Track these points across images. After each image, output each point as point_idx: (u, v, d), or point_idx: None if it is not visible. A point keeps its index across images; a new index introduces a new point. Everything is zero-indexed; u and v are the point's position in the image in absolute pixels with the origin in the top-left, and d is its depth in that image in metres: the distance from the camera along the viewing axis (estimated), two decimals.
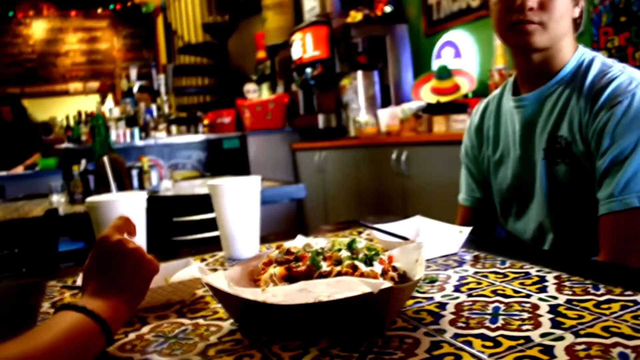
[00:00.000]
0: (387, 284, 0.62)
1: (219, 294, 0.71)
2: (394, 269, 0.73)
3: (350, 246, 0.77)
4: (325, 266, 0.73)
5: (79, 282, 0.91)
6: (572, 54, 1.22)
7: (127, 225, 0.75)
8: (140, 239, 1.01)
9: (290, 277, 0.73)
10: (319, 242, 0.82)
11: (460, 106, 3.47)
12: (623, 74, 1.14)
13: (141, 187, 3.02)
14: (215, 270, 1.03)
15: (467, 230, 1.04)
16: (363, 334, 0.66)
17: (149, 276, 0.71)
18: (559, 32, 1.18)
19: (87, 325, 0.61)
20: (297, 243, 0.83)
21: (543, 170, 1.22)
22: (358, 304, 0.63)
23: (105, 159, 1.05)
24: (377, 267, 0.72)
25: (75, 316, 0.61)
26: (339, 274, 0.71)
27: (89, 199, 1.03)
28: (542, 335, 0.62)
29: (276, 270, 0.74)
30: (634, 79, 1.12)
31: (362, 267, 0.71)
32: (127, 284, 0.68)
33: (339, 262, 0.73)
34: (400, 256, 0.78)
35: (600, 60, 1.20)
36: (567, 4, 1.18)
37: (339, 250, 0.76)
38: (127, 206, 1.00)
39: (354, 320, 0.66)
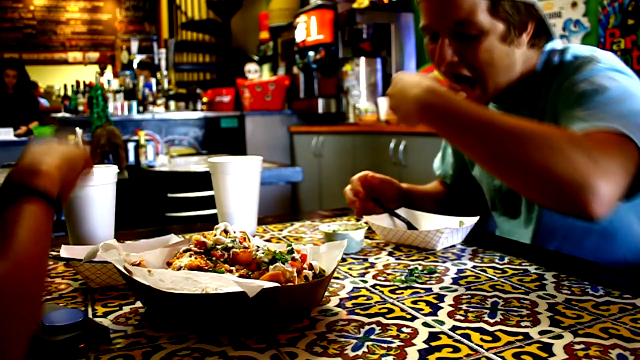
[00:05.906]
0: (269, 284, 0.60)
1: (123, 276, 0.70)
2: (310, 267, 0.73)
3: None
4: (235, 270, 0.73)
5: (62, 253, 0.90)
6: (536, 60, 1.05)
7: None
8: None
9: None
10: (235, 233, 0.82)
11: None
12: (588, 57, 0.98)
13: (137, 160, 3.00)
14: None
15: (471, 220, 1.04)
16: (262, 329, 0.64)
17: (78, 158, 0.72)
18: (504, 76, 1.01)
19: (48, 212, 0.59)
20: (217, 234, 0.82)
21: None
22: (243, 299, 0.60)
23: None
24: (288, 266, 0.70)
25: (37, 205, 0.58)
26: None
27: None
28: (541, 333, 0.62)
29: (186, 261, 0.73)
30: (596, 57, 0.97)
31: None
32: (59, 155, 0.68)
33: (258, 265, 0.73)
34: (325, 253, 0.78)
35: (570, 53, 1.03)
36: (500, 47, 0.98)
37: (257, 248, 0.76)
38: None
39: (245, 315, 0.64)
